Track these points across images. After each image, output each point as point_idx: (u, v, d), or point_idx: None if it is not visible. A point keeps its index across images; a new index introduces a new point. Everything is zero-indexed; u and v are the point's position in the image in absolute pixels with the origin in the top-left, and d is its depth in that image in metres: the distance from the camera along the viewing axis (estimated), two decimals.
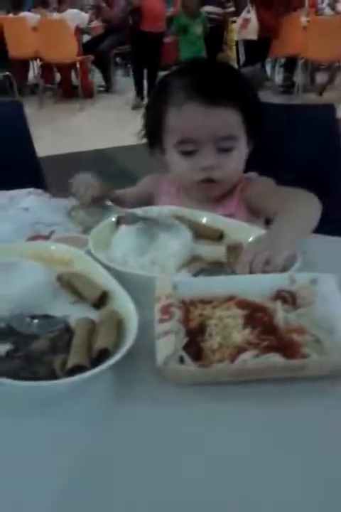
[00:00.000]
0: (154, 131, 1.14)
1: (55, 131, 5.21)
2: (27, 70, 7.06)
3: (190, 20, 5.75)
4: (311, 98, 6.21)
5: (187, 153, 1.08)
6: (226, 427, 0.61)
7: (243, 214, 1.13)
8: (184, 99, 1.05)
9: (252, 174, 1.20)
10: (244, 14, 5.60)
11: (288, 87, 6.45)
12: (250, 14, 5.53)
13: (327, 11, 6.38)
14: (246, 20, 5.57)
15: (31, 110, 5.58)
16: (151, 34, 5.67)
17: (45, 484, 0.55)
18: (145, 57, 5.88)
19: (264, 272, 0.78)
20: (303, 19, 6.26)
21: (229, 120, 1.06)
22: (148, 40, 5.69)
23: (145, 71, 6.07)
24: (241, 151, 1.11)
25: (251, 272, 0.79)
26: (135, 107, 5.86)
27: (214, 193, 1.13)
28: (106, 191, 1.12)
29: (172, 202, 1.18)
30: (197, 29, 5.82)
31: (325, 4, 6.64)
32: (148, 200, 1.20)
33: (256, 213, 1.14)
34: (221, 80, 1.08)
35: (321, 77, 6.82)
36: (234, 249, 0.88)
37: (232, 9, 6.54)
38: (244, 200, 1.16)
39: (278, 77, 6.79)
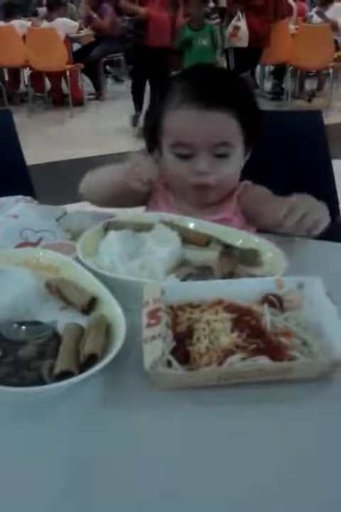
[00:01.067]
0: (152, 134, 1.14)
1: (45, 139, 5.20)
2: (19, 78, 7.06)
3: (194, 32, 5.22)
4: (300, 105, 6.27)
5: (183, 157, 1.07)
6: (214, 430, 0.61)
7: (239, 220, 1.13)
8: (180, 102, 1.05)
9: (247, 182, 1.21)
10: (234, 22, 5.62)
11: (277, 94, 6.49)
12: (240, 22, 5.56)
13: (315, 18, 6.42)
14: (236, 28, 5.58)
15: (21, 118, 5.58)
16: (157, 49, 5.01)
17: (33, 489, 0.55)
18: (149, 73, 5.09)
19: (299, 225, 0.88)
20: (292, 27, 6.32)
21: (224, 126, 1.06)
22: (154, 56, 4.99)
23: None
24: (238, 157, 1.10)
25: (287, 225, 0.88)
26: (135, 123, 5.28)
27: (209, 198, 1.12)
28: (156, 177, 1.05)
29: (167, 206, 1.17)
30: (203, 41, 5.28)
31: (313, 12, 6.69)
32: (143, 201, 1.19)
33: (250, 221, 1.15)
34: (218, 85, 1.07)
35: (310, 84, 6.88)
36: (226, 256, 0.89)
37: (218, 21, 6.56)
38: (240, 207, 1.16)
39: (268, 85, 6.83)
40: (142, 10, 5.02)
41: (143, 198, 1.18)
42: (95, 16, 6.50)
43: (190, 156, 1.07)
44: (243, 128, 1.08)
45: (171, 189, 1.19)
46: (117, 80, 7.39)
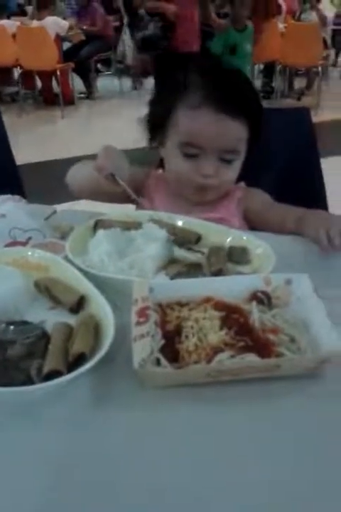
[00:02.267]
0: (158, 123, 1.11)
1: (36, 139, 5.18)
2: (10, 77, 7.01)
3: (240, 33, 4.36)
4: (290, 104, 6.28)
5: (189, 156, 1.07)
6: (203, 428, 0.61)
7: (237, 220, 1.14)
8: (198, 102, 1.03)
9: (243, 185, 1.21)
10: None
11: (268, 92, 6.51)
12: None
13: (308, 13, 6.43)
14: None
15: (12, 118, 5.55)
16: (185, 55, 3.62)
17: (23, 491, 0.54)
18: None
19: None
20: (280, 25, 6.33)
21: (237, 134, 1.06)
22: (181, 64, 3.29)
23: None
24: (240, 161, 1.11)
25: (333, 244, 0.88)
26: None
27: (207, 197, 1.12)
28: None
29: (161, 200, 1.16)
30: (247, 45, 4.48)
31: (307, 6, 6.67)
32: (118, 199, 1.13)
33: (249, 223, 1.16)
34: (238, 92, 1.05)
35: (299, 83, 6.91)
36: (217, 252, 0.89)
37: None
38: (241, 208, 1.17)
39: (257, 83, 6.84)
40: (172, 7, 3.93)
41: (118, 196, 1.07)
42: (85, 27, 6.50)
43: (196, 156, 1.06)
44: (250, 135, 1.09)
45: (167, 181, 1.17)
46: None
